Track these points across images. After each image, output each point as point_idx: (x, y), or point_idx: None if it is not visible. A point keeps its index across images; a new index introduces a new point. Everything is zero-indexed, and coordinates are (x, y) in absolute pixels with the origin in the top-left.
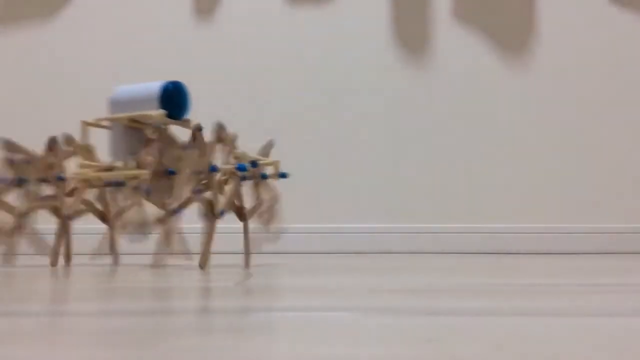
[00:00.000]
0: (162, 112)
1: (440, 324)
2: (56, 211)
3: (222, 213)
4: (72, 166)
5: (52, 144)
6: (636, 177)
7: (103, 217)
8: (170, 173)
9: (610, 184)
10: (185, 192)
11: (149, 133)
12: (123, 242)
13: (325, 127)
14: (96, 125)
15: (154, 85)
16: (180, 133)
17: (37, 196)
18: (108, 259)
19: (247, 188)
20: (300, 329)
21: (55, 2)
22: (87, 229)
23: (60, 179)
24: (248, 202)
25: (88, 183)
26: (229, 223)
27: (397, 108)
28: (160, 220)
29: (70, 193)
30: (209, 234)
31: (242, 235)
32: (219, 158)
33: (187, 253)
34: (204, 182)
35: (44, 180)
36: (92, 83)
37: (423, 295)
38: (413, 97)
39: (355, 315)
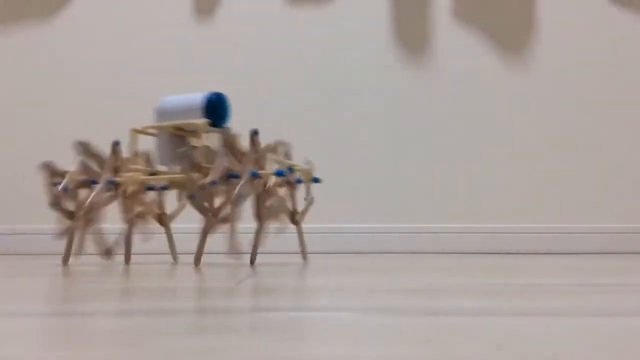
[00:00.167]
0: (205, 120)
1: (440, 324)
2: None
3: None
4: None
5: (115, 147)
6: (636, 177)
7: (159, 219)
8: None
9: (610, 184)
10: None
11: (193, 141)
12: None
13: (325, 127)
14: (144, 132)
15: (198, 96)
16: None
17: (104, 196)
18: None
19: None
20: (300, 329)
21: (55, 2)
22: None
23: (111, 183)
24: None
25: (141, 187)
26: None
27: (397, 108)
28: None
29: (129, 196)
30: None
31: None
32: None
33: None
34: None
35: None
36: (92, 83)
37: (423, 295)
38: (413, 97)
39: (355, 315)
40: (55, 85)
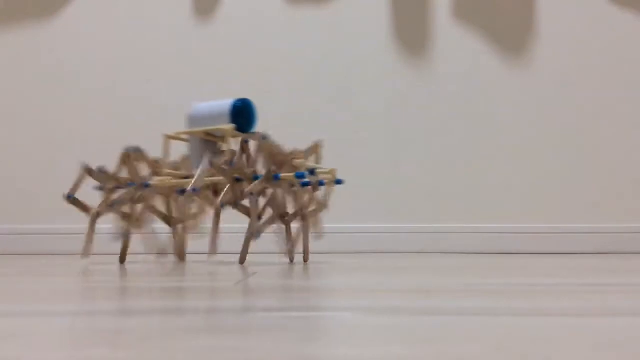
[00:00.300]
0: (231, 126)
1: (440, 324)
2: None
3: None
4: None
5: (137, 154)
6: (636, 177)
7: (168, 220)
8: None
9: (610, 184)
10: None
11: (222, 146)
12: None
13: (325, 127)
14: (176, 138)
15: (226, 103)
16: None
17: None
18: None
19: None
20: (300, 329)
21: (55, 2)
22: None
23: (147, 186)
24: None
25: (171, 190)
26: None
27: (397, 108)
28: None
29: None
30: (247, 241)
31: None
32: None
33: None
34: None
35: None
36: (92, 83)
37: (423, 295)
38: (413, 97)
39: (355, 315)
40: (55, 85)
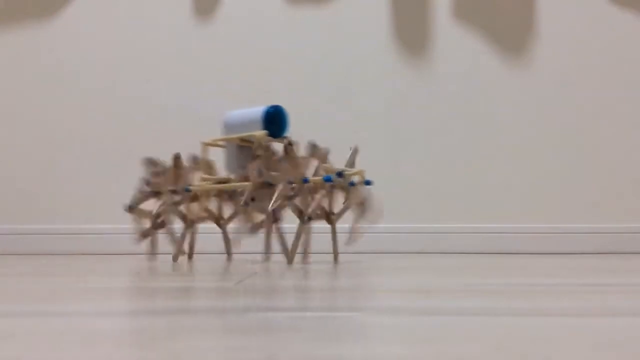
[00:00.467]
0: (264, 132)
1: (440, 324)
2: (183, 216)
3: (309, 218)
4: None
5: (176, 160)
6: (636, 177)
7: (218, 221)
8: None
9: (610, 184)
10: (280, 199)
11: (256, 150)
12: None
13: (325, 127)
14: (213, 144)
15: (258, 110)
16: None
17: (170, 203)
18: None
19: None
20: (300, 329)
21: (55, 2)
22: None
23: (187, 190)
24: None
25: (208, 193)
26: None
27: (397, 108)
28: (259, 224)
29: (194, 201)
30: (297, 235)
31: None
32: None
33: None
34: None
35: (173, 190)
36: (92, 83)
37: (423, 295)
38: (413, 97)
39: (356, 315)
40: (55, 85)
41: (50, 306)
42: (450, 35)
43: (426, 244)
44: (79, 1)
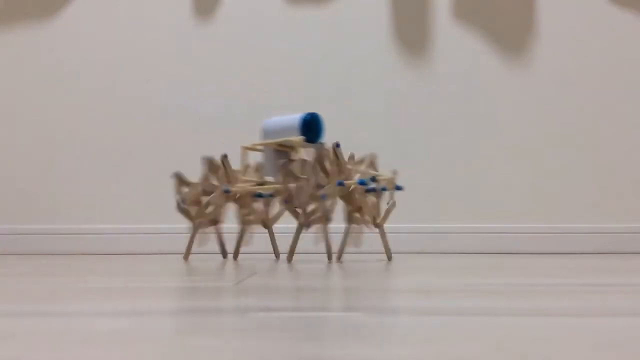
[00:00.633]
0: (301, 137)
1: (440, 324)
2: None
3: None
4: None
5: (223, 161)
6: (636, 177)
7: (264, 223)
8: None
9: (610, 184)
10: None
11: (291, 155)
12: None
13: (325, 127)
14: (252, 149)
15: (296, 117)
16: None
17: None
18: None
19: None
20: (301, 329)
21: (55, 2)
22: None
23: (227, 192)
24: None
25: (249, 194)
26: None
27: (397, 108)
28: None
29: (237, 202)
30: (324, 236)
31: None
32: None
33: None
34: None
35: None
36: (92, 83)
37: (423, 295)
38: (413, 97)
39: (355, 315)
40: (55, 85)
41: (50, 306)
42: (450, 35)
43: (426, 244)
44: (79, 1)
